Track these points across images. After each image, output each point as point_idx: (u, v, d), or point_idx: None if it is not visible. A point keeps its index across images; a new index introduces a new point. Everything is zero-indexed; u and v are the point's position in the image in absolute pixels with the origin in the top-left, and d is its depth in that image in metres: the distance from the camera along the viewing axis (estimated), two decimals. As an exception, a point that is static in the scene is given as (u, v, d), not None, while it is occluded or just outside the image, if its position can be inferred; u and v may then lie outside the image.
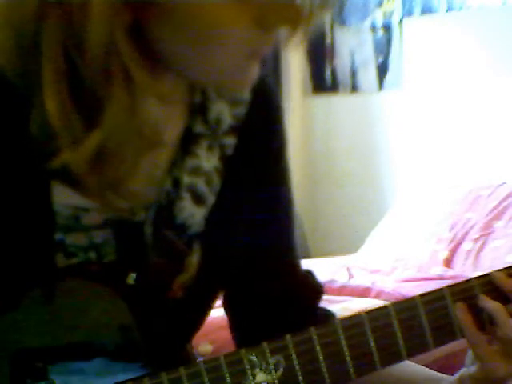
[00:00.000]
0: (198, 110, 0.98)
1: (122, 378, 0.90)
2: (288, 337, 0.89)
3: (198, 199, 0.98)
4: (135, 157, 0.86)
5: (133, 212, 0.93)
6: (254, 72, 0.87)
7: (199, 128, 0.98)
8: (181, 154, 0.96)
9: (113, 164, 0.85)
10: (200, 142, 0.98)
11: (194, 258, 0.98)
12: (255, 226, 1.04)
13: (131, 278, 0.94)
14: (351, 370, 0.90)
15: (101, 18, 0.78)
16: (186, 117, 0.97)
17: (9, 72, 0.84)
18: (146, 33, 0.82)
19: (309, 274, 1.10)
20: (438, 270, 2.70)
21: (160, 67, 0.87)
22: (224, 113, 0.99)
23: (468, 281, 0.94)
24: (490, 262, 2.61)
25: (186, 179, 0.97)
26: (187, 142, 0.97)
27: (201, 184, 0.98)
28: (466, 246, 2.76)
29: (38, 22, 0.80)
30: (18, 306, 0.88)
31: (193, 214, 0.97)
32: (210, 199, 0.99)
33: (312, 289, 1.10)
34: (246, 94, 1.01)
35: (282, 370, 0.88)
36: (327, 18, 3.80)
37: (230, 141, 1.00)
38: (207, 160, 0.98)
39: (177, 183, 0.96)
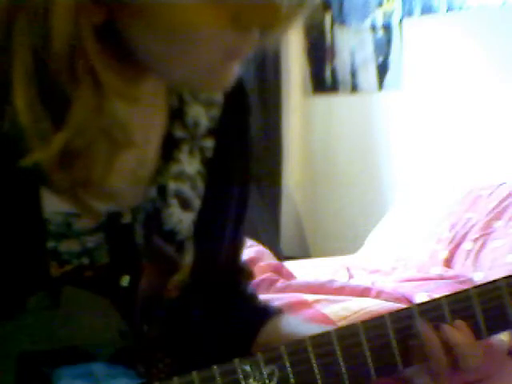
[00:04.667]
0: (176, 114, 0.98)
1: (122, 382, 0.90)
2: (282, 347, 0.89)
3: (185, 204, 0.98)
4: (107, 157, 0.86)
5: (120, 213, 0.93)
6: (234, 72, 0.87)
7: (179, 133, 0.98)
8: (164, 160, 0.96)
9: (83, 164, 0.85)
10: (181, 147, 0.98)
11: (187, 259, 0.99)
12: (236, 223, 1.06)
13: (125, 280, 0.94)
14: (346, 381, 0.90)
15: (64, 18, 0.78)
16: (165, 121, 0.97)
17: None
18: (121, 33, 0.83)
19: (244, 266, 1.15)
20: (438, 269, 2.69)
21: (137, 69, 0.87)
22: (200, 116, 1.00)
23: (466, 290, 0.94)
24: (490, 262, 2.60)
25: (172, 185, 0.97)
26: (169, 148, 0.97)
27: (186, 189, 0.98)
28: (466, 245, 2.75)
29: (8, 23, 0.81)
30: (20, 314, 0.88)
31: (181, 220, 0.98)
32: (196, 203, 0.99)
33: (241, 272, 1.15)
34: (220, 96, 1.01)
35: (276, 380, 0.88)
36: (325, 16, 3.81)
37: (209, 143, 1.01)
38: (189, 164, 0.99)
39: (163, 190, 0.96)
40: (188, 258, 0.99)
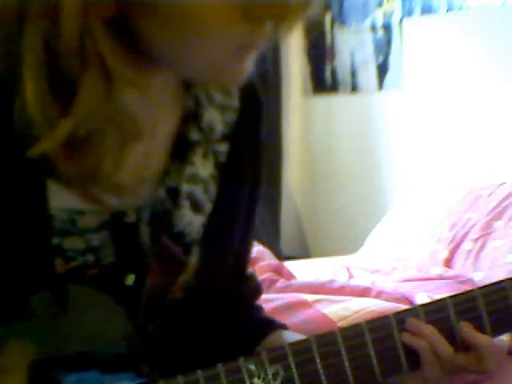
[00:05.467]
0: (192, 117, 0.98)
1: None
2: (287, 346, 0.88)
3: (197, 207, 0.98)
4: (117, 148, 0.86)
5: (124, 212, 0.93)
6: (247, 66, 0.87)
7: (194, 135, 0.98)
8: (178, 162, 0.96)
9: (91, 154, 0.84)
10: (196, 150, 0.98)
11: (193, 260, 0.98)
12: (245, 227, 1.06)
13: (130, 279, 0.94)
14: (351, 381, 0.90)
15: (73, 8, 0.78)
16: (178, 122, 0.97)
17: None
18: (133, 27, 0.82)
19: (252, 276, 1.14)
20: (438, 269, 2.69)
21: (149, 62, 0.87)
22: (216, 120, 0.99)
23: (471, 291, 0.93)
24: (490, 262, 2.60)
25: (186, 187, 0.97)
26: (183, 150, 0.97)
27: (199, 192, 0.98)
28: (466, 245, 2.75)
29: (20, 13, 0.80)
30: (26, 315, 0.88)
31: (191, 222, 0.98)
32: (208, 207, 0.99)
33: (252, 289, 1.15)
34: (235, 101, 1.01)
35: (280, 379, 0.88)
36: (325, 16, 3.81)
37: (223, 148, 1.00)
38: (203, 167, 0.98)
39: (174, 191, 0.96)
40: (194, 259, 0.99)
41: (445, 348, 0.93)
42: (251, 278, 1.14)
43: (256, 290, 1.15)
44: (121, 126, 0.85)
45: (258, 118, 1.05)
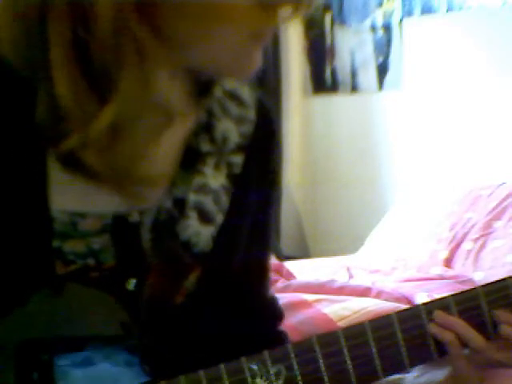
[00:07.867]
0: (205, 128, 0.97)
1: (124, 380, 0.90)
2: (289, 346, 0.88)
3: (205, 218, 0.97)
4: (148, 136, 0.86)
5: (128, 213, 0.93)
6: (258, 57, 0.87)
7: (206, 146, 0.97)
8: (186, 171, 0.96)
9: (126, 143, 0.84)
10: (206, 161, 0.97)
11: (197, 269, 0.98)
12: (257, 243, 1.04)
13: (131, 283, 0.93)
14: (353, 380, 0.90)
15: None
16: (188, 133, 0.96)
17: (13, 61, 0.83)
18: (152, 13, 0.81)
19: (273, 300, 1.10)
20: (438, 269, 2.70)
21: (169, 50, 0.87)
22: (230, 131, 0.99)
23: (473, 289, 0.93)
24: (490, 262, 2.61)
25: (192, 197, 0.96)
26: (193, 160, 0.96)
27: (208, 202, 0.97)
28: (466, 245, 2.75)
29: (42, 7, 0.80)
30: (23, 305, 0.87)
31: (198, 233, 0.96)
32: (219, 218, 0.98)
33: (274, 314, 1.10)
34: (252, 113, 1.01)
35: (283, 379, 0.88)
36: (325, 16, 3.81)
37: (238, 159, 0.99)
38: (214, 178, 0.97)
39: (181, 201, 0.95)
40: (198, 267, 0.98)
41: (475, 339, 0.93)
42: (271, 301, 1.10)
43: (276, 314, 1.10)
44: (157, 110, 0.85)
45: (273, 130, 1.04)
